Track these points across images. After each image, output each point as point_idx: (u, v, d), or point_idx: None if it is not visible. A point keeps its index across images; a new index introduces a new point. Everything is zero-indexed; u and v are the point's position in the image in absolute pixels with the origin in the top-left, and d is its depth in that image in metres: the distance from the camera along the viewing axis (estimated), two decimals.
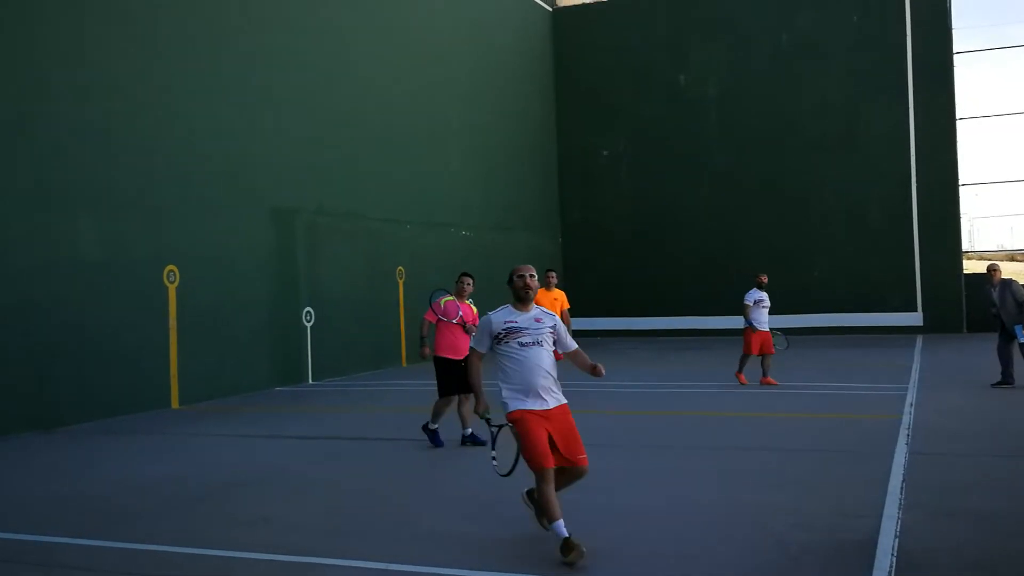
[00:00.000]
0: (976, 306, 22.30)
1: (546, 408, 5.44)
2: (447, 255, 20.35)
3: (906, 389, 12.42)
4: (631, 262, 25.48)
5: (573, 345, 5.80)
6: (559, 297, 13.16)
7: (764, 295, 13.58)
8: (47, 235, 11.46)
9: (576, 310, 27.08)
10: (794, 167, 24.01)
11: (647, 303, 25.11)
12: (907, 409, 10.63)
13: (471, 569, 5.15)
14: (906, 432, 9.10)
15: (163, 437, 10.50)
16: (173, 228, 13.26)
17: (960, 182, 23.04)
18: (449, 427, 9.59)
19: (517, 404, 5.44)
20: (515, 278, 5.70)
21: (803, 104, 24.01)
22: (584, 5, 27.12)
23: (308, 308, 16.00)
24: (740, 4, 24.92)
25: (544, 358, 5.50)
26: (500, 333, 5.53)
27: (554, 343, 5.65)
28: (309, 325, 15.99)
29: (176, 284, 13.21)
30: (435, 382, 9.33)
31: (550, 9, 27.07)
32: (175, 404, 13.06)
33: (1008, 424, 9.70)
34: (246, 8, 15.12)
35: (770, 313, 13.68)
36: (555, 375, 5.56)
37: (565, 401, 5.60)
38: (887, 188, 23.18)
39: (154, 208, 12.98)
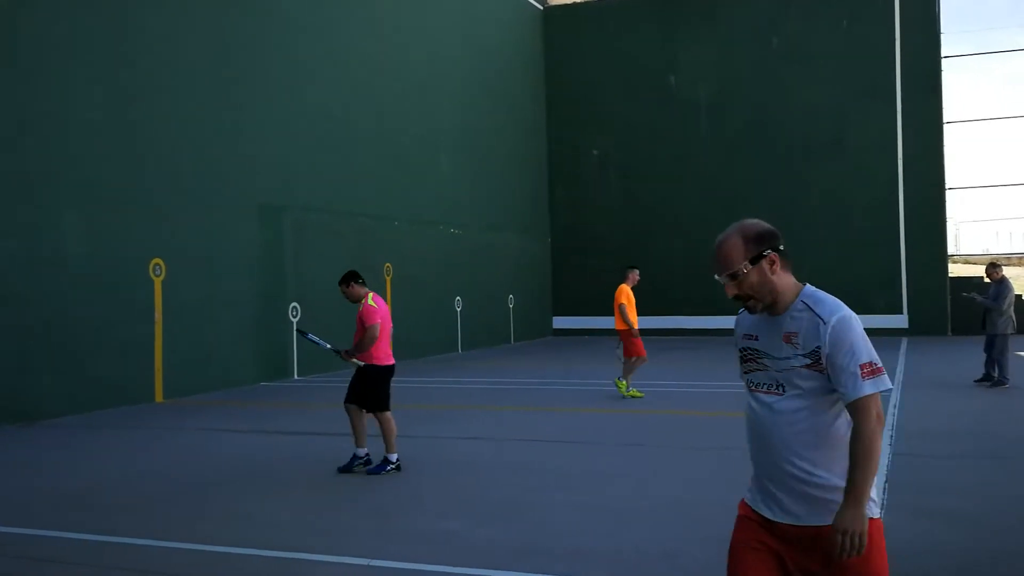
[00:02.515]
0: (961, 309, 22.46)
1: (778, 521, 2.70)
2: (435, 253, 20.36)
3: (890, 391, 12.46)
4: (619, 262, 25.41)
5: (860, 391, 2.60)
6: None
7: None
8: (32, 228, 11.38)
9: (565, 309, 27.29)
10: (782, 170, 24.09)
11: (635, 303, 25.11)
12: (890, 410, 10.68)
13: (452, 566, 5.14)
14: (889, 433, 9.15)
15: (146, 431, 10.45)
16: (160, 222, 13.19)
17: (947, 186, 23.18)
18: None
19: (747, 492, 2.88)
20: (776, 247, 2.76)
21: (792, 107, 24.10)
22: (575, 5, 27.13)
23: (294, 303, 15.95)
24: (730, 7, 24.98)
25: (789, 422, 2.65)
26: (739, 354, 2.88)
27: (826, 389, 2.64)
28: (295, 320, 15.95)
29: (162, 278, 13.14)
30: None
31: (541, 8, 27.07)
32: (159, 398, 12.99)
33: (989, 426, 9.77)
34: (236, 4, 15.05)
35: None
36: (819, 457, 2.63)
37: (870, 515, 2.62)
38: (874, 191, 23.29)
39: (141, 202, 12.91)
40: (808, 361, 2.62)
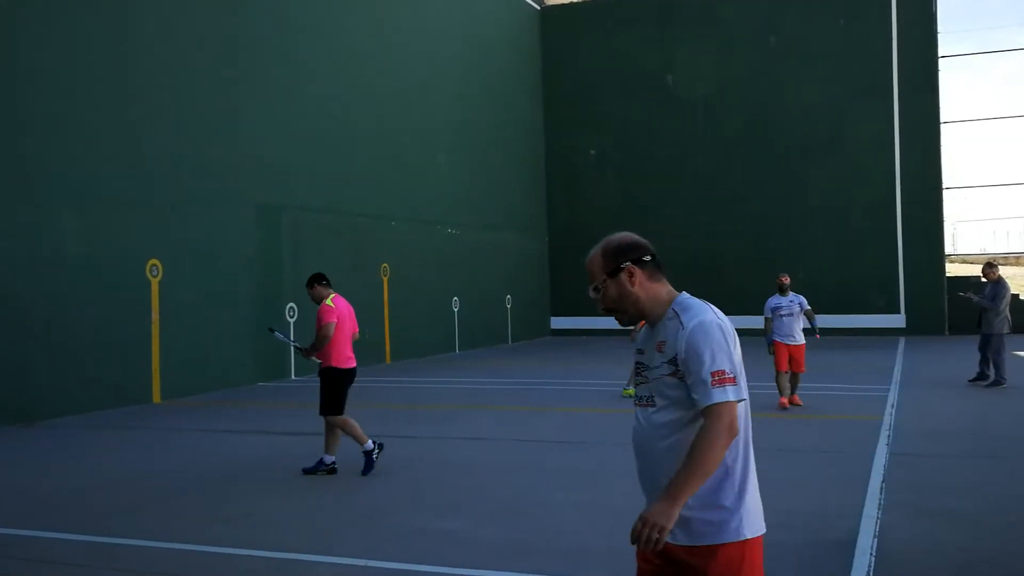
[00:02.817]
0: (958, 309, 22.49)
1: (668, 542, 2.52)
2: (433, 253, 20.35)
3: (887, 390, 12.50)
4: None
5: (710, 398, 2.47)
6: None
7: (784, 300, 11.25)
8: (30, 229, 11.37)
9: (563, 310, 27.26)
10: (780, 169, 24.10)
11: None
12: (888, 410, 10.70)
13: (450, 566, 5.14)
14: (887, 433, 9.16)
15: (144, 432, 10.44)
16: (157, 223, 13.18)
17: (944, 185, 23.22)
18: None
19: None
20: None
21: (789, 106, 24.11)
22: (572, 4, 27.14)
23: (292, 304, 15.94)
24: (727, 7, 24.99)
25: (661, 435, 2.60)
26: None
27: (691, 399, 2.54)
28: (293, 321, 15.94)
29: (159, 278, 13.13)
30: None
31: (538, 8, 27.07)
32: (157, 399, 12.98)
33: (986, 425, 9.78)
34: (235, 4, 15.04)
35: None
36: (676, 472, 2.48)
37: (727, 539, 2.52)
38: (871, 191, 23.31)
39: (138, 202, 12.90)
40: (671, 369, 2.56)
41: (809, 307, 11.45)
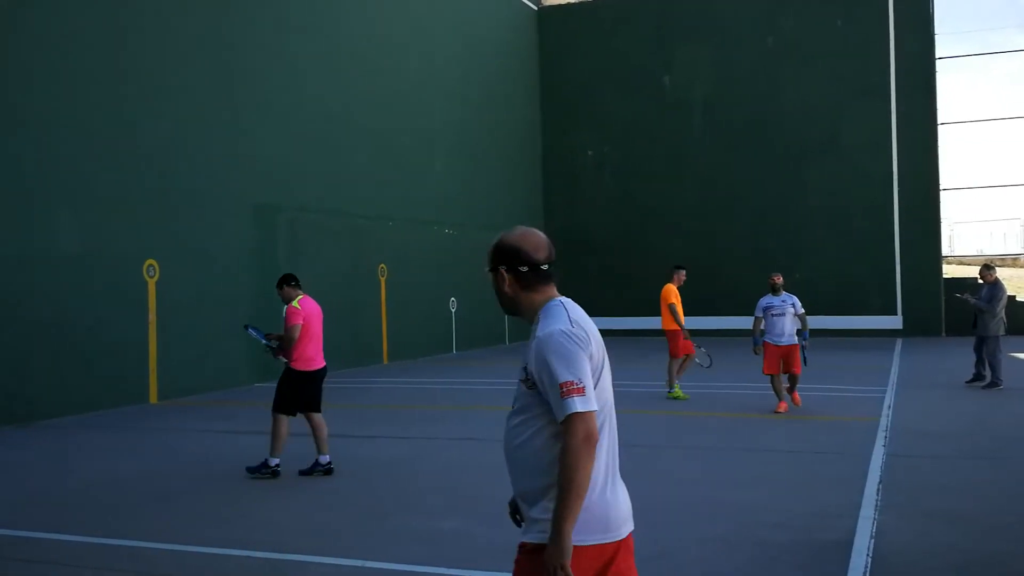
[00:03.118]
0: (955, 310, 22.52)
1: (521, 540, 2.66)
2: (430, 253, 20.34)
3: (884, 391, 12.52)
4: (614, 262, 25.51)
5: (562, 410, 2.44)
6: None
7: (776, 300, 11.06)
8: (26, 229, 11.36)
9: None
10: (777, 169, 24.13)
11: (630, 303, 25.13)
12: (885, 411, 10.71)
13: (446, 567, 5.14)
14: (884, 434, 9.18)
15: (141, 432, 10.43)
16: (154, 223, 13.17)
17: (941, 186, 23.25)
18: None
19: None
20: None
21: (787, 107, 24.14)
22: (569, 5, 27.15)
23: None
24: (725, 7, 25.02)
25: (510, 437, 2.64)
26: None
27: (537, 407, 2.56)
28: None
29: (156, 279, 13.12)
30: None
31: (535, 8, 27.08)
32: (153, 399, 12.97)
33: (984, 426, 9.80)
34: (233, 4, 15.03)
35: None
36: (527, 473, 2.59)
37: (531, 539, 2.61)
38: (869, 192, 23.34)
39: (135, 203, 12.89)
40: (524, 375, 2.57)
41: (803, 310, 11.23)
